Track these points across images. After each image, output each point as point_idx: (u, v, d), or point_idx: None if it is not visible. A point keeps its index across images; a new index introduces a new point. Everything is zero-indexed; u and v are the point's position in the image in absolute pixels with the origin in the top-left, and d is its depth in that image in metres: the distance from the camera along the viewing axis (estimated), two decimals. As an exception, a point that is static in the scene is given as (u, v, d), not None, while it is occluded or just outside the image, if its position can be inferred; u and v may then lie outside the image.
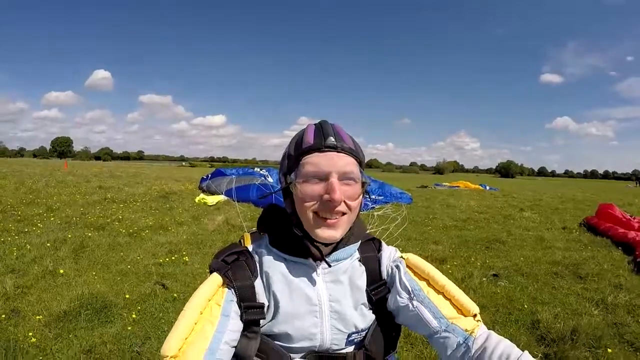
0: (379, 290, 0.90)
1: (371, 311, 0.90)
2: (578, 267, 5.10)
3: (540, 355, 2.86)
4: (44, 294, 3.57)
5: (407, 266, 0.90)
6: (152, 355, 2.70)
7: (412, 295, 0.85)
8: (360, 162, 0.83)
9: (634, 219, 7.85)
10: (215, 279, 0.79)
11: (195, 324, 0.72)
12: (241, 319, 0.78)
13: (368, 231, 1.02)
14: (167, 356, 0.66)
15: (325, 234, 0.79)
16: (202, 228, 7.00)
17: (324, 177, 0.77)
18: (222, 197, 10.40)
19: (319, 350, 0.84)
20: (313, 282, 0.85)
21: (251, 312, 0.79)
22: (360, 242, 0.93)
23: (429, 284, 0.87)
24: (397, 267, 0.90)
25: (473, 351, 0.77)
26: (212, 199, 10.13)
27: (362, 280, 0.90)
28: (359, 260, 0.92)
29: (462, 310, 0.83)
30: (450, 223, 8.91)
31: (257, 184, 10.11)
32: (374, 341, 0.88)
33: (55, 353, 2.63)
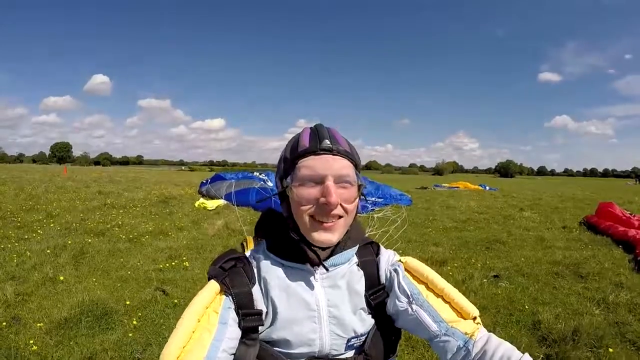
0: (377, 294, 0.90)
1: (370, 316, 0.89)
2: (579, 267, 5.10)
3: (541, 356, 2.86)
4: (44, 301, 3.56)
5: (406, 270, 0.90)
6: (153, 361, 2.70)
7: (411, 299, 0.85)
8: (356, 165, 0.83)
9: (634, 217, 7.84)
10: (213, 286, 0.79)
11: (193, 332, 0.72)
12: (239, 326, 0.78)
13: (368, 233, 1.02)
14: None
15: (321, 237, 0.79)
16: (202, 233, 6.99)
17: (319, 181, 0.77)
18: (221, 202, 10.41)
19: (318, 355, 0.84)
20: (311, 287, 0.85)
21: (249, 319, 0.79)
22: (358, 246, 0.92)
23: (427, 288, 0.87)
24: (396, 271, 0.90)
25: (473, 354, 0.77)
26: (211, 204, 10.13)
27: (360, 285, 0.90)
28: (357, 265, 0.92)
29: (461, 314, 0.83)
30: (450, 224, 8.91)
31: (256, 188, 10.13)
32: (374, 345, 0.88)
33: (55, 360, 2.62)
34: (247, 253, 0.91)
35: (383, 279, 0.92)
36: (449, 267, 5.15)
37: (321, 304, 0.84)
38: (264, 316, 0.82)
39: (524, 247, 6.57)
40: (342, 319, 0.85)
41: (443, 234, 7.76)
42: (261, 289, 0.85)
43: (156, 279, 4.32)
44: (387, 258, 0.94)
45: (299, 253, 0.84)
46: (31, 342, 2.78)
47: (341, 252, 0.87)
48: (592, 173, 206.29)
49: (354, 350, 0.87)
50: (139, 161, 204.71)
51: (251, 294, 0.81)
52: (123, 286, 4.08)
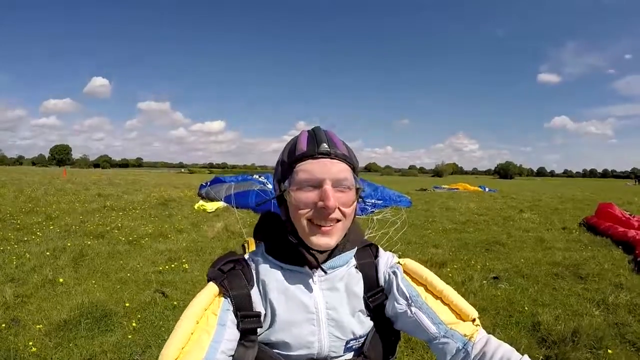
0: (376, 297, 0.90)
1: (369, 318, 0.89)
2: (578, 268, 5.10)
3: (541, 357, 2.85)
4: (43, 303, 3.56)
5: (405, 272, 0.90)
6: (152, 363, 2.69)
7: (410, 302, 0.85)
8: (354, 168, 0.83)
9: (634, 217, 7.86)
10: (212, 288, 0.80)
11: (192, 333, 0.72)
12: (238, 328, 0.78)
13: (367, 235, 1.02)
14: None
15: (320, 241, 0.79)
16: (201, 235, 6.99)
17: (317, 185, 0.77)
18: (221, 204, 10.41)
19: (317, 357, 0.84)
20: (309, 289, 0.85)
21: (247, 321, 0.79)
22: (356, 248, 0.92)
23: (426, 290, 0.87)
24: (395, 273, 0.90)
25: (472, 356, 0.77)
26: (211, 206, 10.13)
27: (359, 287, 0.90)
28: (356, 267, 0.92)
29: (460, 315, 0.83)
30: (450, 226, 8.91)
31: (255, 190, 10.12)
32: (373, 347, 0.88)
33: (55, 363, 2.62)
34: (246, 256, 0.91)
35: (382, 281, 0.92)
36: (448, 269, 5.15)
37: (320, 307, 0.84)
38: (262, 318, 0.82)
39: (523, 248, 6.57)
40: (340, 321, 0.85)
41: (443, 236, 7.76)
42: (260, 291, 0.85)
43: (155, 281, 4.32)
44: (386, 260, 0.94)
45: (297, 256, 0.84)
46: (30, 343, 2.78)
47: (339, 254, 0.87)
48: (591, 174, 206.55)
49: (352, 352, 0.87)
50: (138, 164, 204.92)
51: (250, 296, 0.82)
52: (122, 288, 4.08)
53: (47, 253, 5.12)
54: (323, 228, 0.79)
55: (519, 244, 6.92)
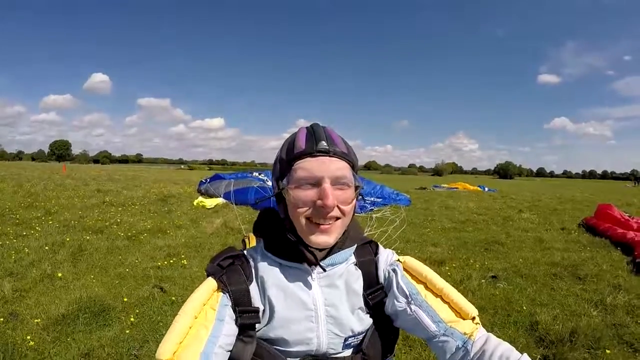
0: (376, 294, 0.89)
1: (368, 315, 0.89)
2: (577, 268, 5.10)
3: (539, 357, 2.86)
4: (42, 298, 3.56)
5: (405, 269, 0.90)
6: (150, 358, 2.70)
7: (409, 299, 0.84)
8: (353, 166, 0.82)
9: (633, 219, 7.85)
10: (210, 283, 0.79)
11: (190, 328, 0.72)
12: (236, 323, 0.78)
13: (366, 234, 1.01)
14: None
15: (318, 239, 0.79)
16: (200, 231, 6.99)
17: (316, 183, 0.76)
18: (220, 200, 10.40)
19: (315, 354, 0.84)
20: (308, 286, 0.85)
21: (246, 317, 0.79)
22: (356, 245, 0.92)
23: (426, 287, 0.87)
24: (394, 270, 0.90)
25: (472, 354, 0.77)
26: (210, 202, 10.12)
27: (358, 284, 0.89)
28: (355, 264, 0.91)
29: (460, 314, 0.83)
30: (449, 225, 8.91)
31: (255, 187, 10.13)
32: (372, 345, 0.87)
33: (53, 356, 2.62)
34: (245, 251, 0.90)
35: (381, 279, 0.91)
36: (447, 268, 5.15)
37: (318, 304, 0.84)
38: (261, 314, 0.82)
39: (522, 248, 6.57)
40: (339, 318, 0.85)
41: (442, 235, 7.76)
42: (258, 287, 0.84)
43: (154, 276, 4.32)
44: (386, 257, 0.94)
45: (296, 253, 0.83)
46: (28, 337, 2.78)
47: (339, 251, 0.87)
48: (591, 175, 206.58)
49: (351, 350, 0.87)
50: (138, 159, 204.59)
51: (248, 292, 0.81)
52: (121, 283, 4.08)
53: (46, 248, 5.11)
54: (322, 226, 0.78)
55: (517, 243, 6.92)
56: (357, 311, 0.87)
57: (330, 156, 0.78)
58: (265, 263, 0.86)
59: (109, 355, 2.68)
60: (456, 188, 23.76)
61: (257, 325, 0.81)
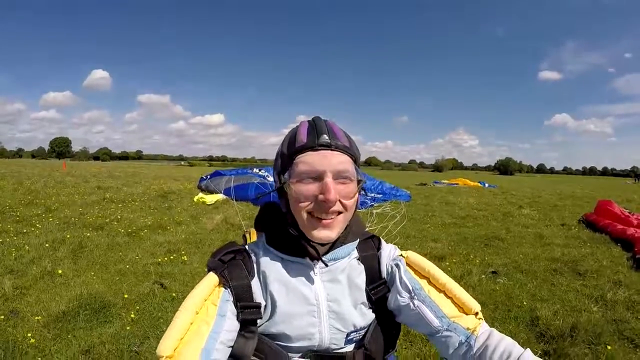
0: (378, 289, 0.89)
1: (371, 310, 0.88)
2: (577, 264, 5.11)
3: (539, 352, 2.86)
4: (42, 295, 3.55)
5: (407, 264, 0.89)
6: (150, 355, 2.69)
7: (412, 295, 0.84)
8: (355, 160, 0.81)
9: (633, 215, 7.86)
10: (212, 278, 0.78)
11: (191, 323, 0.71)
12: (237, 319, 0.77)
13: (367, 229, 1.00)
14: (163, 356, 0.65)
15: (320, 234, 0.78)
16: (200, 227, 6.99)
17: (318, 177, 0.75)
18: (220, 196, 10.40)
19: (317, 349, 0.83)
20: (311, 281, 0.84)
21: (247, 312, 0.78)
22: (358, 240, 0.91)
23: (429, 282, 0.86)
24: (397, 265, 0.89)
25: (475, 349, 0.76)
26: (210, 198, 10.12)
27: (361, 279, 0.89)
28: (358, 259, 0.91)
29: (463, 309, 0.82)
30: (449, 220, 8.92)
31: (255, 183, 10.12)
32: (374, 340, 0.87)
33: (54, 354, 2.62)
34: (247, 246, 0.90)
35: (384, 274, 0.91)
36: (447, 263, 5.15)
37: (320, 299, 0.84)
38: (262, 309, 0.81)
39: (522, 244, 6.58)
40: (341, 313, 0.84)
41: (442, 230, 7.76)
42: (260, 282, 0.84)
43: (154, 272, 4.32)
44: (389, 252, 0.93)
45: (298, 247, 0.82)
46: (29, 335, 2.78)
47: (341, 246, 0.86)
48: (591, 171, 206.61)
49: (353, 345, 0.87)
50: (138, 156, 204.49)
51: (250, 287, 0.80)
52: (121, 280, 4.08)
53: (46, 245, 5.11)
54: (324, 221, 0.77)
55: (518, 239, 6.92)
56: (359, 306, 0.87)
57: (332, 150, 0.77)
58: (267, 258, 0.85)
59: (110, 352, 2.68)
60: (456, 184, 23.76)
61: (258, 320, 0.80)
